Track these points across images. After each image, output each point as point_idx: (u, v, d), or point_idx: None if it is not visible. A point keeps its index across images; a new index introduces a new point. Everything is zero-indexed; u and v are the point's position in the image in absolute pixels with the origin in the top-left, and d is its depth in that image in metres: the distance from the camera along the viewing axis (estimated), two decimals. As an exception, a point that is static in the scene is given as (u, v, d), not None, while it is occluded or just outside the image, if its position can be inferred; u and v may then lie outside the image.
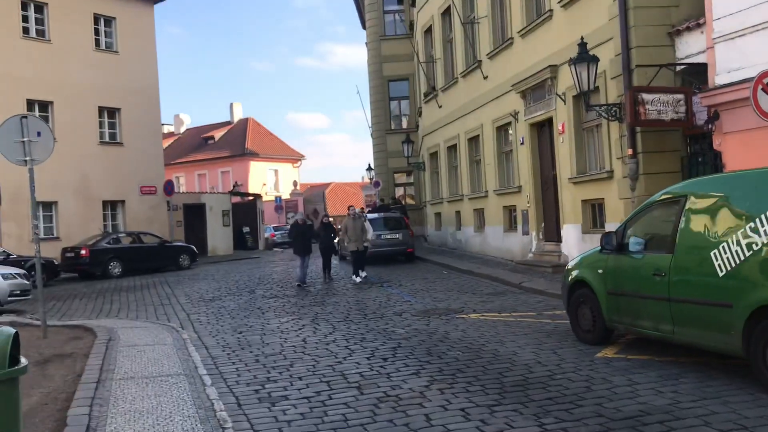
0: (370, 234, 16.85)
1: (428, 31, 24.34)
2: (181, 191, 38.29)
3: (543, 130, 15.75)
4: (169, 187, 27.78)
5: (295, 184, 50.40)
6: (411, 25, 30.58)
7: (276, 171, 53.71)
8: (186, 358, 8.10)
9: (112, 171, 26.01)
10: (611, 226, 12.62)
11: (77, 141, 24.80)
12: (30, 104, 23.01)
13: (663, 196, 7.01)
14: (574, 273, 8.16)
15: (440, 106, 22.75)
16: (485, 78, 18.46)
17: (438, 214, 24.25)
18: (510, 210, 17.75)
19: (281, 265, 24.22)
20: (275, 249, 37.38)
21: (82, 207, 25.11)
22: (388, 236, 20.39)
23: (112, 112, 26.54)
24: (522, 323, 9.75)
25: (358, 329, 10.02)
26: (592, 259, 7.92)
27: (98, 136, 25.90)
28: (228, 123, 57.52)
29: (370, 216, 22.54)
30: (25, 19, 23.80)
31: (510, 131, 17.43)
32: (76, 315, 14.00)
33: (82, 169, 25.07)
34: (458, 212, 21.64)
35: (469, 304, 12.04)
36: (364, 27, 40.15)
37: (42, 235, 24.06)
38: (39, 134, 9.97)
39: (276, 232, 41.41)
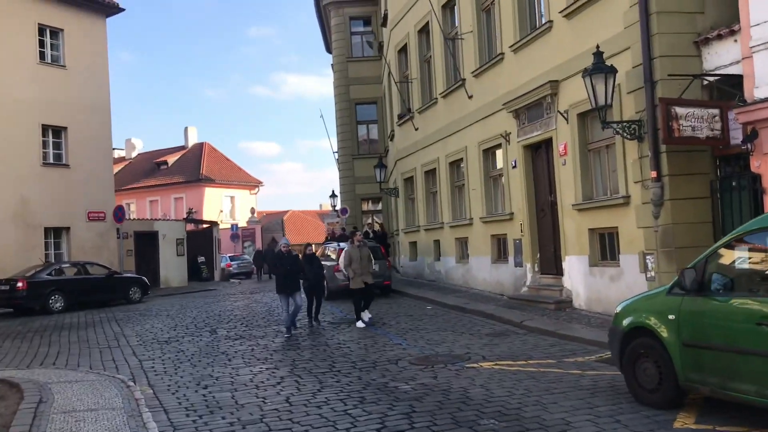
0: (373, 266, 14.56)
1: (402, 50, 22.99)
2: (131, 218, 35.90)
3: (539, 152, 14.38)
4: (119, 213, 25.56)
5: (252, 211, 48.36)
6: (380, 47, 29.28)
7: (232, 198, 51.60)
8: (141, 430, 6.25)
9: (57, 195, 23.72)
10: (627, 257, 11.27)
11: (17, 161, 22.54)
12: (-37, 120, 20.71)
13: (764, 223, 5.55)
14: (630, 318, 6.61)
15: (417, 129, 21.32)
16: (470, 97, 17.10)
17: (413, 244, 22.67)
18: (499, 239, 16.27)
19: (241, 299, 22.24)
20: (232, 280, 35.25)
21: (21, 234, 22.73)
22: (363, 268, 18.65)
23: (58, 131, 24.32)
24: (548, 375, 8.15)
25: (352, 384, 8.28)
26: (656, 302, 6.39)
27: (41, 156, 23.60)
28: (182, 148, 55.28)
29: (340, 245, 20.84)
30: (-41, 27, 21.62)
31: (499, 154, 16.04)
32: (5, 361, 11.86)
33: (22, 193, 22.76)
34: (437, 241, 20.10)
35: (473, 348, 10.41)
36: (328, 50, 38.83)
37: (-27, 266, 21.64)
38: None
39: (232, 262, 39.23)
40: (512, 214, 15.14)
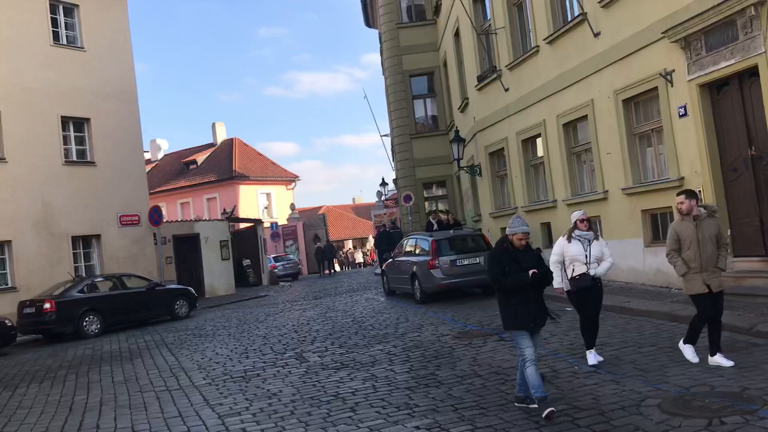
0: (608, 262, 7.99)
1: (479, -2, 19.28)
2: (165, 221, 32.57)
3: (726, 90, 10.61)
4: (155, 215, 22.23)
5: (292, 207, 44.92)
6: (436, 7, 25.59)
7: (268, 194, 48.24)
8: None
9: (83, 198, 20.40)
10: None
11: (35, 161, 19.26)
12: (-30, 115, 17.35)
13: None
14: None
15: (507, 89, 17.58)
16: (596, 35, 13.35)
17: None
18: (655, 215, 12.56)
19: (309, 306, 18.69)
20: (281, 283, 31.81)
21: (45, 246, 19.45)
22: (466, 262, 15.05)
23: (80, 124, 20.96)
24: None
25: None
26: None
27: (62, 153, 20.26)
28: (211, 145, 52.06)
29: (415, 236, 17.25)
30: (-42, 6, 18.30)
31: (653, 102, 12.29)
32: (27, 424, 8.42)
33: (43, 197, 19.47)
34: (546, 225, 16.39)
35: (729, 375, 6.73)
36: (367, 23, 35.36)
37: (-8, 286, 18.44)
38: None
39: (277, 264, 35.80)
40: (683, 178, 11.38)
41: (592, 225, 8.23)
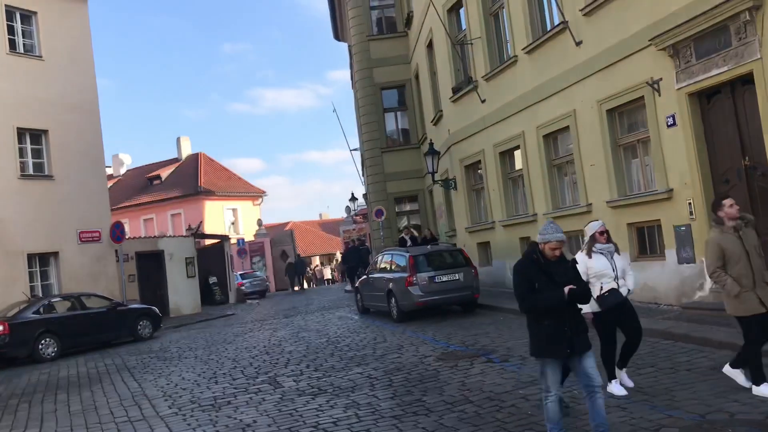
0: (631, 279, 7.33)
1: (453, 8, 18.87)
2: (130, 237, 31.43)
3: (717, 99, 10.27)
4: (117, 231, 21.26)
5: (260, 223, 43.97)
6: (408, 18, 25.20)
7: (234, 210, 47.23)
8: None
9: (40, 213, 19.37)
10: None
11: (-12, 174, 18.23)
12: None
13: None
14: None
15: (483, 101, 17.17)
16: (578, 44, 12.98)
17: (484, 245, 18.47)
18: (641, 228, 12.17)
19: (281, 326, 17.89)
20: (249, 301, 30.87)
21: (-2, 264, 18.38)
22: (445, 278, 14.49)
23: (37, 136, 19.96)
24: None
25: None
26: None
27: (18, 167, 19.23)
28: (176, 160, 50.88)
29: (390, 252, 16.62)
30: None
31: (639, 112, 11.92)
32: (-27, 463, 7.61)
33: (-3, 213, 18.45)
34: (526, 239, 15.94)
35: (754, 404, 6.24)
36: (336, 36, 34.93)
37: (-60, 308, 17.30)
38: None
39: (244, 281, 34.80)
40: (671, 190, 11.00)
41: (610, 236, 7.44)
